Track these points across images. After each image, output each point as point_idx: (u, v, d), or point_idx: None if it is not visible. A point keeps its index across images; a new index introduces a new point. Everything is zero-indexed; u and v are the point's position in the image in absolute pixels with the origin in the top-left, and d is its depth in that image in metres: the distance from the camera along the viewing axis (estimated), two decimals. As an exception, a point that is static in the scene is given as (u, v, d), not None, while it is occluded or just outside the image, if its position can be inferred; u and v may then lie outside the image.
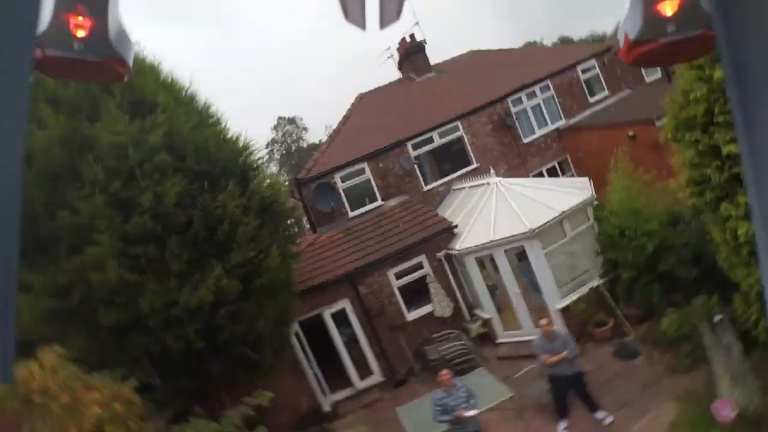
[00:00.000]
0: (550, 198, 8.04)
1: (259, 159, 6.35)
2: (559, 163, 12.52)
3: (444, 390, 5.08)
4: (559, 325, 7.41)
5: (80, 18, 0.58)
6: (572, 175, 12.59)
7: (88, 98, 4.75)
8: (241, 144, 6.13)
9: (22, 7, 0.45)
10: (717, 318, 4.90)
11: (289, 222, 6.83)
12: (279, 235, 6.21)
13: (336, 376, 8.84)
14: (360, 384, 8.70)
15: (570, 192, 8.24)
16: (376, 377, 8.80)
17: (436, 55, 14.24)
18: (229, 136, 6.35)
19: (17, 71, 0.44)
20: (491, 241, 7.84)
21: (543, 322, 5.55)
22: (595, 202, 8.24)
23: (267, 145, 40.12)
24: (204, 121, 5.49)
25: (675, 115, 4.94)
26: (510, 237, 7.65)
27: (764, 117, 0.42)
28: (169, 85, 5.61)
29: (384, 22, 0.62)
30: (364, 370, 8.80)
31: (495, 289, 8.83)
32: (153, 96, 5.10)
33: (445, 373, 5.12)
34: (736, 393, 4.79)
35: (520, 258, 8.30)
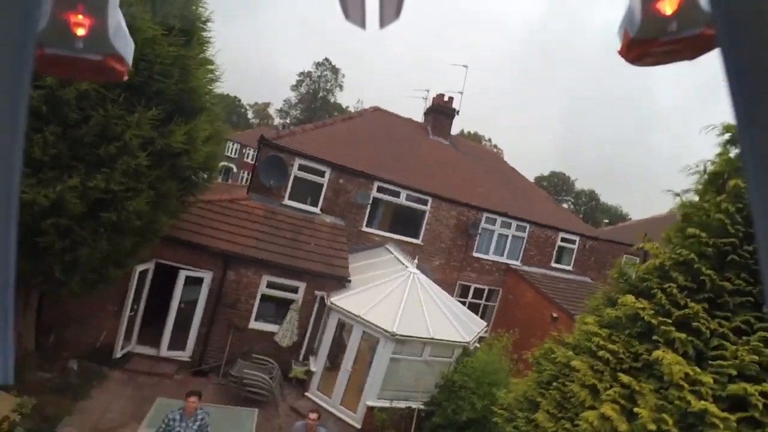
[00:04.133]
0: (435, 318, 7.97)
1: (211, 103, 5.92)
2: (489, 290, 12.60)
3: (182, 413, 4.81)
4: (359, 416, 7.57)
5: (80, 16, 0.56)
6: (494, 307, 12.71)
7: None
8: (200, 78, 5.68)
9: (21, 5, 0.44)
10: None
11: (191, 177, 6.33)
12: (167, 184, 5.73)
13: (150, 331, 8.39)
14: (166, 352, 8.27)
15: (456, 326, 8.17)
16: (184, 354, 8.41)
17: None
18: (200, 62, 5.96)
19: (17, 70, 0.43)
20: (358, 317, 7.69)
21: (312, 416, 5.38)
22: (475, 345, 8.25)
23: (300, 74, 39.69)
24: (172, 36, 5.00)
25: (537, 353, 4.95)
26: (373, 325, 7.53)
27: (765, 116, 0.41)
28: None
29: (384, 22, 0.61)
30: (178, 342, 8.38)
31: (343, 350, 8.67)
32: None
33: (192, 401, 4.84)
34: None
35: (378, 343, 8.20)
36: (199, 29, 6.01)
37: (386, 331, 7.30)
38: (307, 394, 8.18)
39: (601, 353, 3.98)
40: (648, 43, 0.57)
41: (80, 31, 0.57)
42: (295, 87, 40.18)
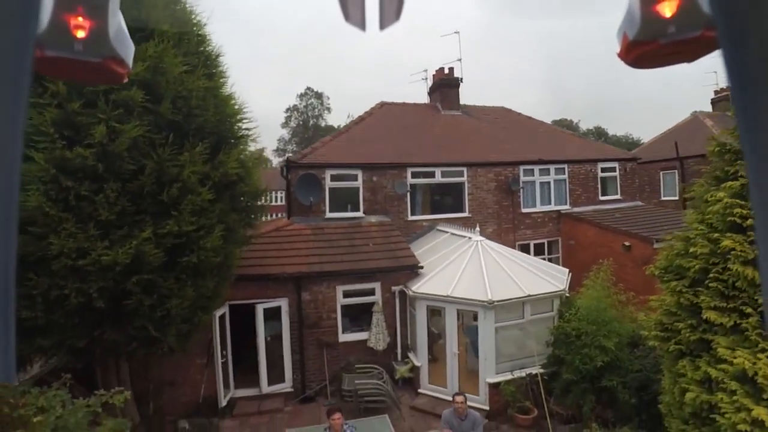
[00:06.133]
0: (522, 276, 7.71)
1: (246, 129, 5.93)
2: (548, 242, 12.28)
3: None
4: (482, 397, 7.25)
5: (80, 18, 0.57)
6: (558, 258, 12.36)
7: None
8: (232, 106, 5.69)
9: (21, 7, 0.44)
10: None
11: (249, 204, 6.31)
12: (231, 216, 5.70)
13: (246, 372, 8.30)
14: (267, 388, 8.15)
15: (545, 278, 7.91)
16: (286, 386, 8.28)
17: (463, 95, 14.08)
18: (226, 93, 5.97)
19: (17, 71, 0.43)
20: (447, 296, 7.47)
21: (459, 399, 5.15)
22: (566, 295, 7.95)
23: (287, 110, 40.10)
24: (198, 70, 5.05)
25: (669, 258, 4.74)
26: (468, 300, 7.30)
27: (765, 116, 0.41)
28: (181, 17, 5.23)
29: (384, 23, 0.61)
30: (276, 375, 8.26)
31: (436, 340, 8.48)
32: (156, 22, 4.72)
33: (337, 417, 4.70)
34: None
35: (475, 318, 7.97)
36: (215, 63, 6.02)
37: (483, 301, 7.06)
38: (420, 390, 7.94)
39: (748, 222, 3.73)
40: (647, 46, 0.57)
41: (80, 33, 0.57)
42: (285, 124, 40.60)
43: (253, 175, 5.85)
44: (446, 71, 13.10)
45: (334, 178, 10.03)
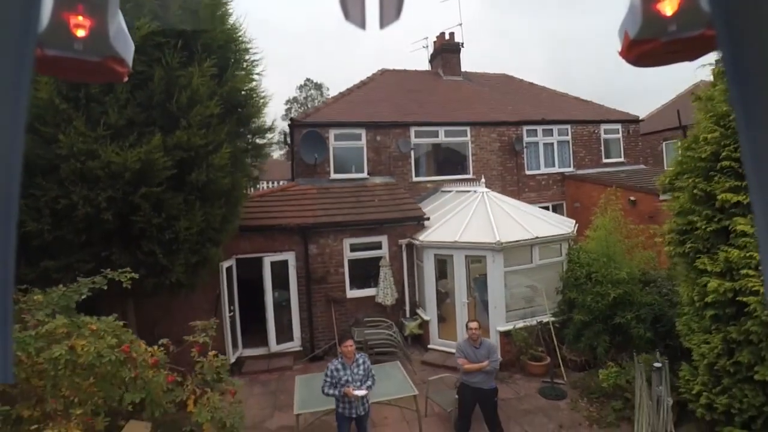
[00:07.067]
0: (529, 221, 7.65)
1: (250, 59, 5.83)
2: (553, 206, 12.19)
3: (342, 361, 4.50)
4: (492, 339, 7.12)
5: (80, 17, 0.57)
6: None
7: None
8: (238, 34, 5.61)
9: (21, 6, 0.43)
10: (656, 365, 4.46)
11: (256, 137, 6.24)
12: (236, 144, 5.64)
13: (253, 331, 8.22)
14: (275, 347, 8.09)
15: (551, 224, 7.86)
16: (294, 344, 8.21)
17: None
18: (229, 27, 5.86)
19: (17, 71, 0.43)
20: (455, 242, 7.40)
21: (473, 325, 5.05)
22: (573, 244, 7.90)
23: (286, 102, 40.02)
24: None
25: (679, 161, 4.76)
26: (475, 243, 7.23)
27: (765, 116, 0.41)
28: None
29: (384, 22, 0.60)
30: (284, 334, 8.19)
31: (444, 298, 8.41)
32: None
33: (349, 345, 4.52)
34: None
35: (483, 272, 7.91)
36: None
37: (491, 243, 6.99)
38: (430, 346, 7.87)
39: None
40: (648, 44, 0.56)
41: (80, 33, 0.56)
42: (285, 116, 40.48)
43: (259, 102, 5.78)
44: (447, 36, 12.98)
45: (337, 137, 9.93)
